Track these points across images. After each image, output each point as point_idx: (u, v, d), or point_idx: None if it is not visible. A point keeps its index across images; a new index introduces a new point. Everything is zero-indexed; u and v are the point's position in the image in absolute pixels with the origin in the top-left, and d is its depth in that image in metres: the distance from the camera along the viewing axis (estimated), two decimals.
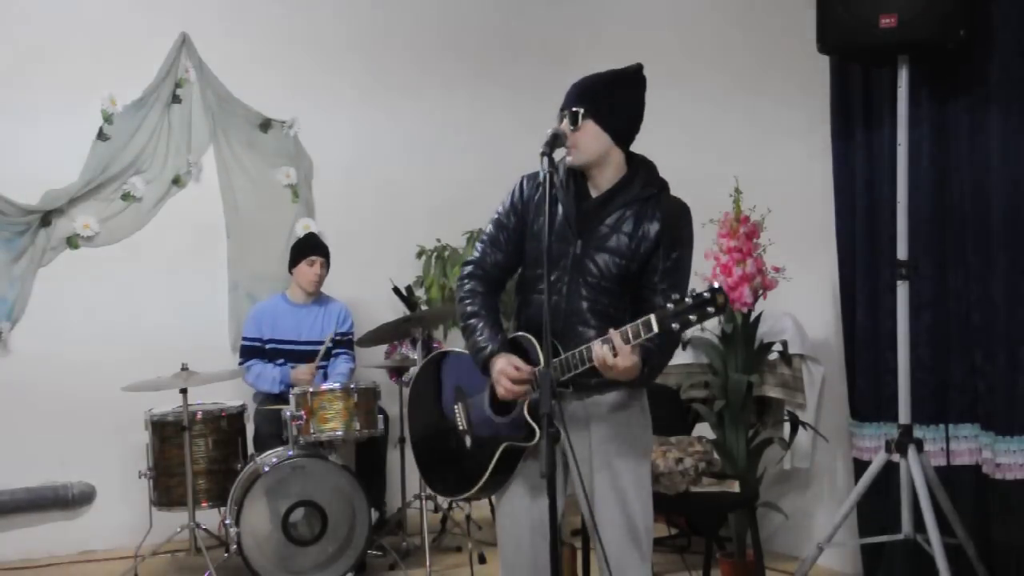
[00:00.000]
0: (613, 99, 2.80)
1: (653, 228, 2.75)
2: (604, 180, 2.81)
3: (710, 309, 2.49)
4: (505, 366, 2.73)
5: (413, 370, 5.08)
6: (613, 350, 2.56)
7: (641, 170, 2.84)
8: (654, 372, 2.75)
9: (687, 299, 2.51)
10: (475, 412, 2.88)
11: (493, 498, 2.96)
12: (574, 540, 4.41)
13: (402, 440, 5.36)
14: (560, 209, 2.81)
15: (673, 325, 2.50)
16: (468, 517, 5.18)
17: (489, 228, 2.94)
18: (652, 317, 2.54)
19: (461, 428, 2.91)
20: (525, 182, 2.91)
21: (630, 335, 2.56)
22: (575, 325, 2.76)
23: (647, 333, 2.54)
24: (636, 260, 2.75)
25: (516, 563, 2.85)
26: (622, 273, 2.76)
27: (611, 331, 2.59)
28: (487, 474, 2.81)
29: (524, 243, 2.88)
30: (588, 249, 2.77)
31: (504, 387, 2.73)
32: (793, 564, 4.60)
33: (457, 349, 3.06)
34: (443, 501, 5.37)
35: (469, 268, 2.93)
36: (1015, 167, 3.75)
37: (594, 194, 2.82)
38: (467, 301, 2.89)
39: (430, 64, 6.29)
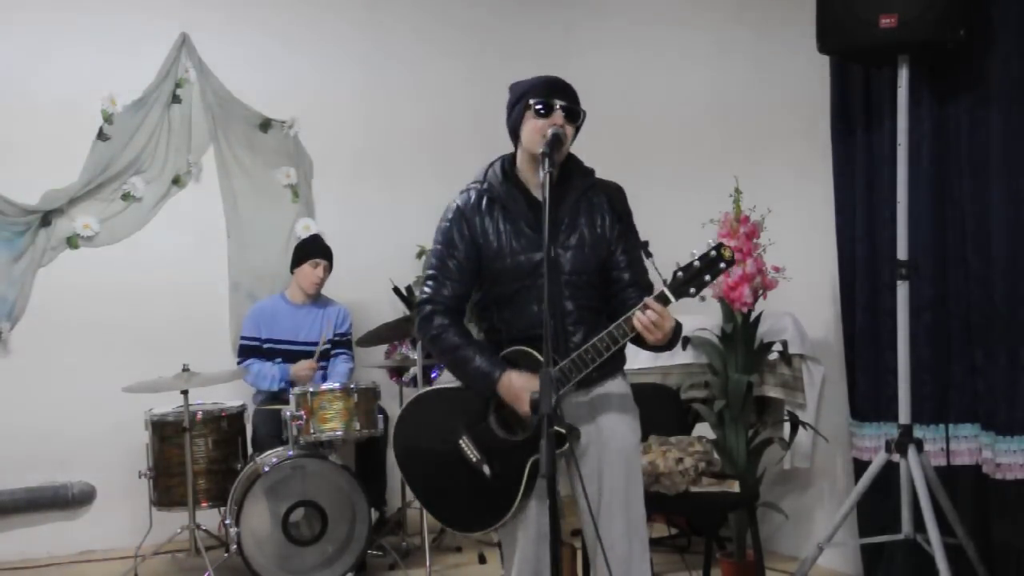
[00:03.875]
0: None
1: (607, 212, 2.87)
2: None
3: (722, 265, 2.60)
4: (524, 382, 2.72)
5: (414, 369, 5.08)
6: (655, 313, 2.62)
7: (572, 163, 2.91)
8: (679, 334, 2.77)
9: (695, 262, 2.60)
10: (486, 440, 2.84)
11: None
12: (574, 540, 4.41)
13: None
14: (513, 221, 2.82)
15: (691, 291, 2.61)
16: None
17: (433, 262, 2.89)
18: (665, 290, 2.61)
19: (475, 460, 2.84)
20: (459, 201, 2.89)
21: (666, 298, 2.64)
22: (565, 326, 2.80)
23: (665, 304, 2.62)
24: (603, 246, 2.85)
25: (524, 570, 2.85)
26: (598, 262, 2.84)
27: (647, 299, 2.63)
28: (520, 495, 2.78)
29: (478, 266, 2.85)
30: (557, 249, 2.80)
31: (526, 404, 2.70)
32: (793, 564, 4.60)
33: (427, 388, 3.04)
34: None
35: (428, 308, 2.86)
36: (1015, 167, 3.75)
37: (537, 195, 2.83)
38: (443, 336, 2.84)
39: (430, 64, 6.30)
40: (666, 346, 2.73)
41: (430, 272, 2.90)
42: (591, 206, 2.86)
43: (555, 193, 2.80)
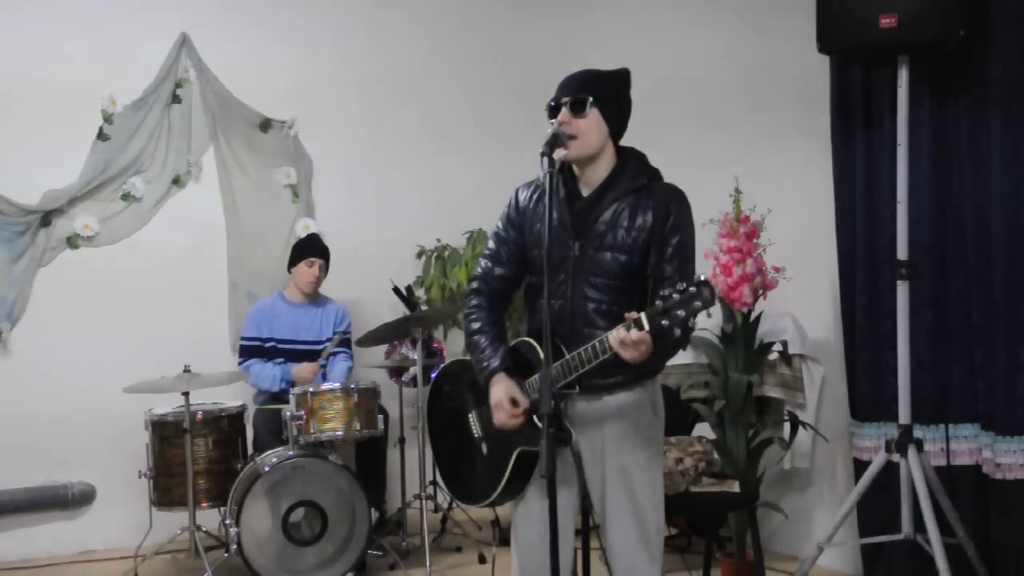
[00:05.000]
0: (615, 92, 2.84)
1: (648, 219, 2.74)
2: (596, 176, 2.81)
3: (697, 303, 2.43)
4: (502, 397, 2.74)
5: (413, 369, 5.09)
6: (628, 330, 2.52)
7: (630, 161, 2.83)
8: (666, 353, 2.70)
9: (674, 295, 2.46)
10: (488, 420, 2.87)
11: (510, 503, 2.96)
12: (574, 540, 4.41)
13: (402, 440, 5.36)
14: (554, 212, 2.79)
15: (663, 323, 2.45)
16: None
17: (490, 243, 2.96)
18: (643, 315, 2.50)
19: (477, 436, 2.92)
20: (520, 192, 2.92)
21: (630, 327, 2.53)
22: (581, 327, 2.75)
23: (640, 330, 2.50)
24: (637, 253, 2.74)
25: (528, 565, 2.86)
26: (625, 268, 2.75)
27: (627, 314, 2.54)
28: (504, 481, 2.82)
29: (526, 253, 2.88)
30: (587, 249, 2.77)
31: (499, 419, 2.75)
32: (793, 564, 4.60)
33: (466, 357, 3.07)
34: (443, 501, 5.38)
35: (474, 284, 2.95)
36: (1015, 167, 3.75)
37: (585, 192, 2.82)
38: (472, 317, 2.91)
39: (430, 63, 6.30)
40: (645, 365, 2.63)
41: (486, 251, 2.96)
42: (635, 209, 2.75)
43: (598, 193, 2.79)
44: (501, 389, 2.76)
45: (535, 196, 2.87)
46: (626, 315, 2.55)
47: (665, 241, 2.72)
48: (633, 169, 2.81)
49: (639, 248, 2.74)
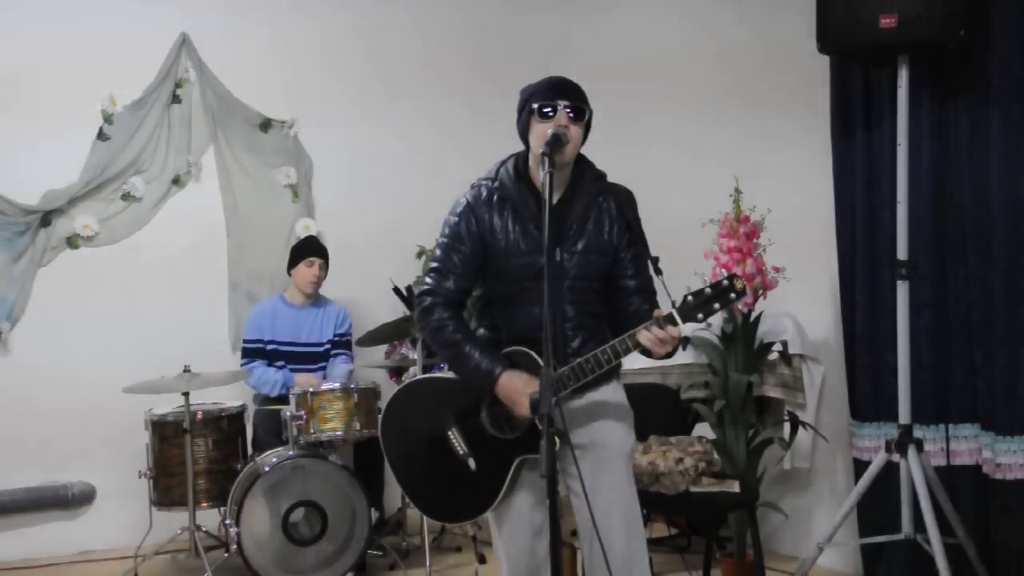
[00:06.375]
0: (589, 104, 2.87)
1: (615, 217, 2.84)
2: (558, 183, 2.82)
3: (732, 295, 2.61)
4: (523, 384, 2.72)
5: (413, 369, 5.08)
6: (662, 328, 2.62)
7: (585, 167, 2.89)
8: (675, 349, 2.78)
9: (707, 289, 2.60)
10: (475, 434, 2.85)
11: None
12: (574, 540, 4.41)
13: None
14: (529, 223, 2.81)
15: (699, 316, 2.61)
16: None
17: (438, 254, 2.89)
18: (674, 312, 2.61)
19: (462, 453, 2.85)
20: (469, 199, 2.88)
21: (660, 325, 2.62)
22: (564, 330, 2.80)
23: (674, 326, 2.61)
24: (610, 253, 2.83)
25: (519, 566, 2.86)
26: (603, 269, 2.82)
27: (657, 313, 2.64)
28: (504, 490, 2.81)
29: (483, 262, 2.86)
30: (563, 253, 2.80)
31: (524, 408, 2.72)
32: (793, 564, 4.60)
33: (418, 377, 3.05)
34: None
35: (429, 299, 2.86)
36: (1015, 167, 3.75)
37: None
38: (444, 330, 2.83)
39: (430, 63, 6.30)
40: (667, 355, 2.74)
41: (434, 264, 2.89)
42: (600, 211, 2.83)
43: (564, 198, 2.82)
44: (518, 381, 2.73)
45: (493, 200, 2.84)
46: (655, 313, 2.63)
47: (631, 239, 2.84)
48: (590, 173, 2.88)
49: (612, 247, 2.83)
